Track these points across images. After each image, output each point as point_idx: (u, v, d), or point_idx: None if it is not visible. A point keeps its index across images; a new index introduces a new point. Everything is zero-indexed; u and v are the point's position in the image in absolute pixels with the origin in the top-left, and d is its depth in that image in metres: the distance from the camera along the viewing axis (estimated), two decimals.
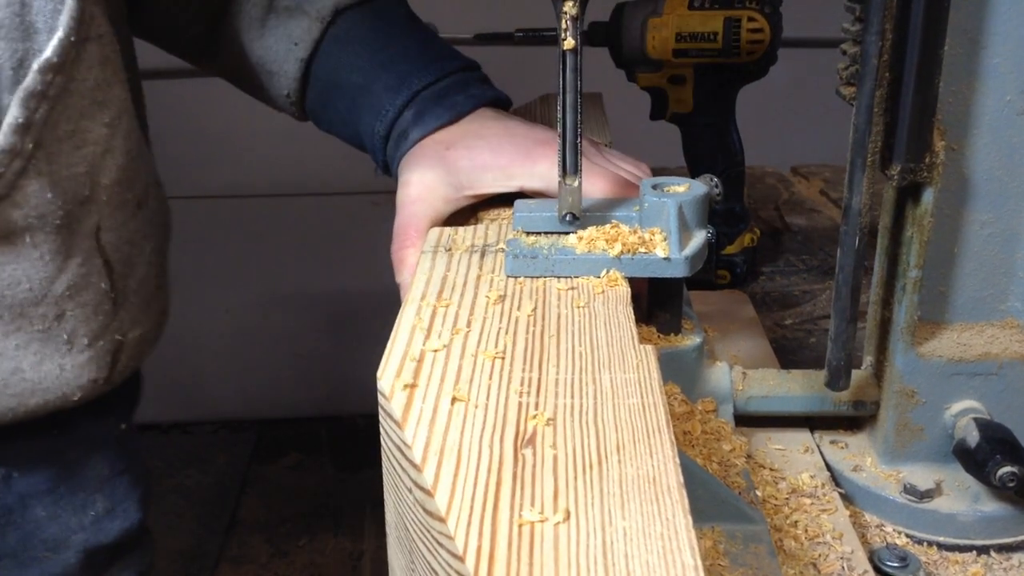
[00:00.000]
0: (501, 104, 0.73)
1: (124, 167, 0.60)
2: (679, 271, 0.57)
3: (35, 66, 0.53)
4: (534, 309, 0.53)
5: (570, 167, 0.57)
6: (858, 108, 0.52)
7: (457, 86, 0.71)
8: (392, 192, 0.68)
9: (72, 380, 0.60)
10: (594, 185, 0.62)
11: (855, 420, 0.67)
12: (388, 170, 0.73)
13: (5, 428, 0.60)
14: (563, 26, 0.54)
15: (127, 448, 0.70)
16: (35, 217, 0.56)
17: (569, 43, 0.54)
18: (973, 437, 0.58)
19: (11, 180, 0.54)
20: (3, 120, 0.53)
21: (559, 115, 0.56)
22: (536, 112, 0.90)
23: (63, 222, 0.57)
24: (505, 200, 0.66)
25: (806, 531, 0.58)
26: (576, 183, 0.58)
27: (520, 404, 0.43)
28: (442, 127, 0.69)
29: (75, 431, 0.65)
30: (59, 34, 0.53)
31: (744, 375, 0.65)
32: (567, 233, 0.59)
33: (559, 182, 0.58)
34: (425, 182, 0.66)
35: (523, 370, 0.46)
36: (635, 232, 0.57)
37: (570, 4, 0.54)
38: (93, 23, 0.56)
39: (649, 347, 0.48)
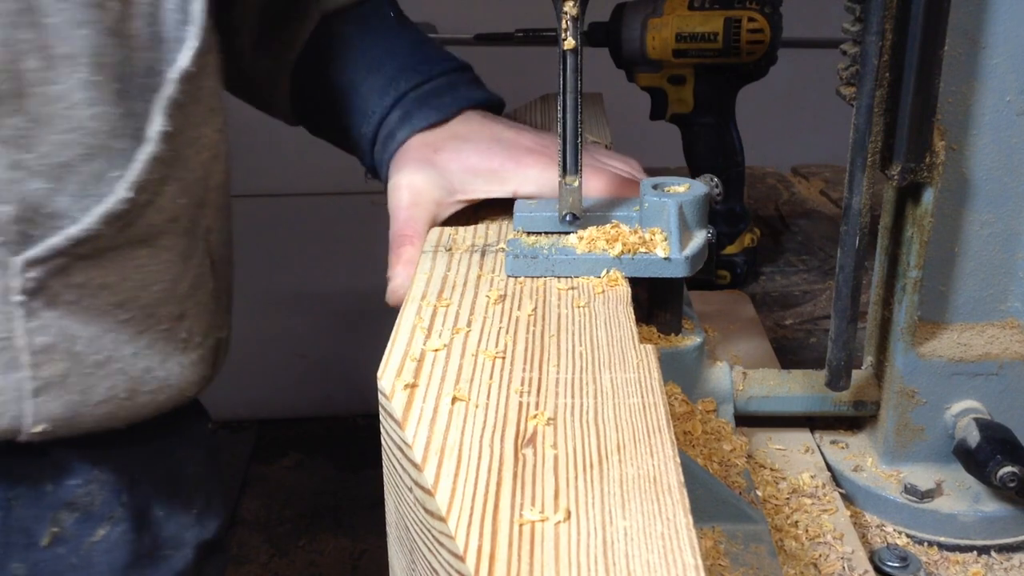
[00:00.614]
0: (493, 106, 0.73)
1: (226, 171, 0.62)
2: (679, 271, 0.57)
3: (174, 76, 0.54)
4: (534, 309, 0.53)
5: (570, 167, 0.57)
6: (858, 108, 0.52)
7: (445, 87, 0.70)
8: None
9: (189, 376, 0.62)
10: (589, 184, 0.62)
11: (856, 420, 0.67)
12: (377, 174, 0.73)
13: (128, 431, 0.61)
14: (563, 26, 0.54)
15: (214, 447, 0.72)
16: (170, 220, 0.57)
17: (569, 43, 0.54)
18: (974, 437, 0.58)
19: (156, 187, 0.55)
20: (143, 127, 0.54)
21: (559, 115, 0.56)
22: (536, 112, 0.89)
23: (189, 225, 0.59)
24: (504, 200, 0.66)
25: (807, 531, 0.58)
26: (576, 183, 0.58)
27: (520, 404, 0.43)
28: (429, 127, 0.68)
29: (181, 431, 0.67)
30: (194, 45, 0.55)
31: (744, 375, 0.65)
32: (567, 233, 0.59)
33: (559, 182, 0.58)
34: (416, 186, 0.65)
35: (523, 370, 0.46)
36: (635, 232, 0.57)
37: (570, 4, 0.54)
38: (211, 34, 0.57)
39: (649, 347, 0.48)
